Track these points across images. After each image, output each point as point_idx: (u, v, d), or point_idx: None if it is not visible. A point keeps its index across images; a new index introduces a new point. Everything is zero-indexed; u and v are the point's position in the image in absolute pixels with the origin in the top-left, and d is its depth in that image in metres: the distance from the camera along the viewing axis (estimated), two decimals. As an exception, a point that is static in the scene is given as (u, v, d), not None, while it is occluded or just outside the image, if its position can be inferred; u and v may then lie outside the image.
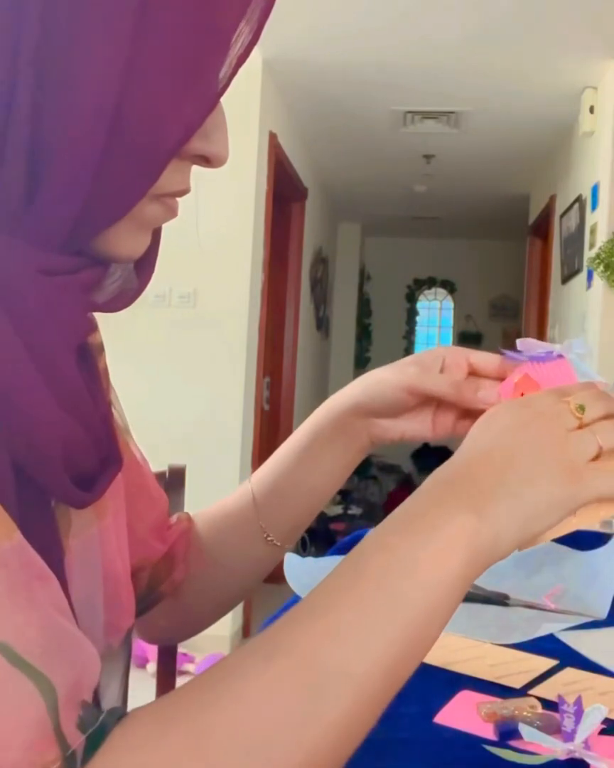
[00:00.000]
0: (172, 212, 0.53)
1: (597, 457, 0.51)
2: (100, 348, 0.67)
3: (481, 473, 0.49)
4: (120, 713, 0.43)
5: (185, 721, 0.42)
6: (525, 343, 0.66)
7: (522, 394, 0.63)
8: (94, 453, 0.53)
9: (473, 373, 0.70)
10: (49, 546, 0.49)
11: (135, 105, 0.45)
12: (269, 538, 0.76)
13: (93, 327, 0.55)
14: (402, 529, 0.47)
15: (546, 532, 0.50)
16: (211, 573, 0.79)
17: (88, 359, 0.56)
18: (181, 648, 3.12)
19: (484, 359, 0.69)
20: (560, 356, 0.65)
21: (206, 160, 0.51)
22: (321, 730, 0.42)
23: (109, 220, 0.48)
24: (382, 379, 0.71)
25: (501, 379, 0.68)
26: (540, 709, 0.77)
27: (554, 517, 0.49)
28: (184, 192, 0.52)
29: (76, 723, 0.41)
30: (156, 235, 0.54)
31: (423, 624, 0.45)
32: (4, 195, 0.45)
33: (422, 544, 0.46)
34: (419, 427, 0.72)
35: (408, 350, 7.61)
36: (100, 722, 0.42)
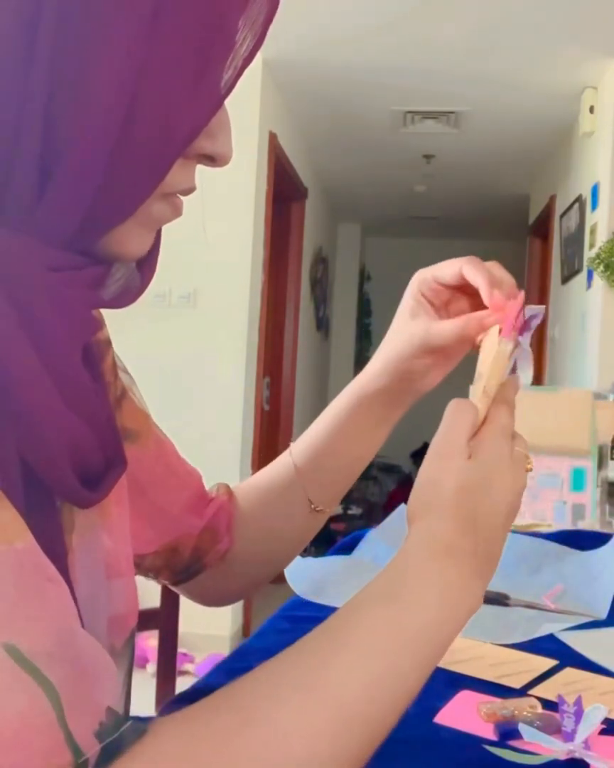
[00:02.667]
0: (177, 211, 0.54)
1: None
2: (107, 343, 0.68)
3: (477, 548, 0.53)
4: (142, 730, 0.42)
5: (213, 742, 0.42)
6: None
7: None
8: (99, 452, 0.53)
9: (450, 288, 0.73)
10: (53, 545, 0.49)
11: (145, 105, 0.45)
12: (315, 507, 0.80)
13: (99, 325, 0.55)
14: (415, 590, 0.51)
15: None
16: (259, 541, 0.83)
17: (94, 359, 0.56)
18: (181, 648, 3.12)
19: (447, 275, 0.71)
20: (534, 317, 0.68)
21: (211, 160, 0.52)
22: (344, 763, 0.45)
23: (117, 219, 0.49)
24: (393, 356, 0.74)
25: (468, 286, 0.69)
26: (540, 709, 0.77)
27: None
28: (189, 191, 0.53)
29: (94, 730, 0.40)
30: (157, 233, 0.55)
31: (427, 669, 0.50)
32: (15, 192, 0.45)
33: (445, 606, 0.51)
34: (443, 369, 0.76)
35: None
36: (120, 734, 0.41)
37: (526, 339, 0.68)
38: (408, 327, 0.74)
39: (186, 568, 0.80)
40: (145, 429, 0.74)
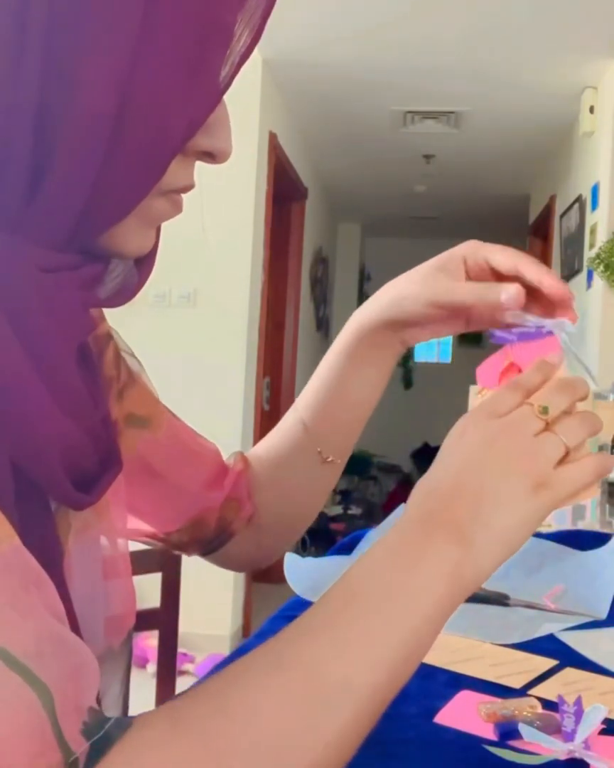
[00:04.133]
0: (177, 208, 0.53)
1: (565, 456, 0.53)
2: (107, 337, 0.68)
3: (456, 507, 0.51)
4: (126, 724, 0.43)
5: (195, 725, 0.42)
6: (515, 315, 0.64)
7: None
8: (93, 454, 0.53)
9: (494, 274, 0.69)
10: (48, 547, 0.49)
11: (139, 102, 0.45)
12: (328, 459, 0.80)
13: (94, 325, 0.55)
14: (392, 558, 0.50)
15: (526, 540, 0.52)
16: (279, 502, 0.83)
17: (90, 357, 0.56)
18: (181, 648, 3.12)
19: (501, 261, 0.67)
20: (549, 333, 0.63)
21: (210, 156, 0.52)
22: (325, 738, 0.44)
23: (115, 217, 0.48)
24: (407, 294, 0.71)
25: (516, 278, 0.66)
26: (540, 709, 0.77)
27: (529, 531, 0.51)
28: (188, 188, 0.53)
29: (80, 729, 0.41)
30: (156, 230, 0.55)
31: (411, 644, 0.47)
32: (6, 192, 0.45)
33: (410, 575, 0.49)
34: (451, 327, 0.73)
35: (408, 350, 7.59)
36: (106, 731, 0.42)
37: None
38: (432, 277, 0.70)
39: (213, 538, 0.81)
40: (156, 413, 0.74)
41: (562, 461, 0.53)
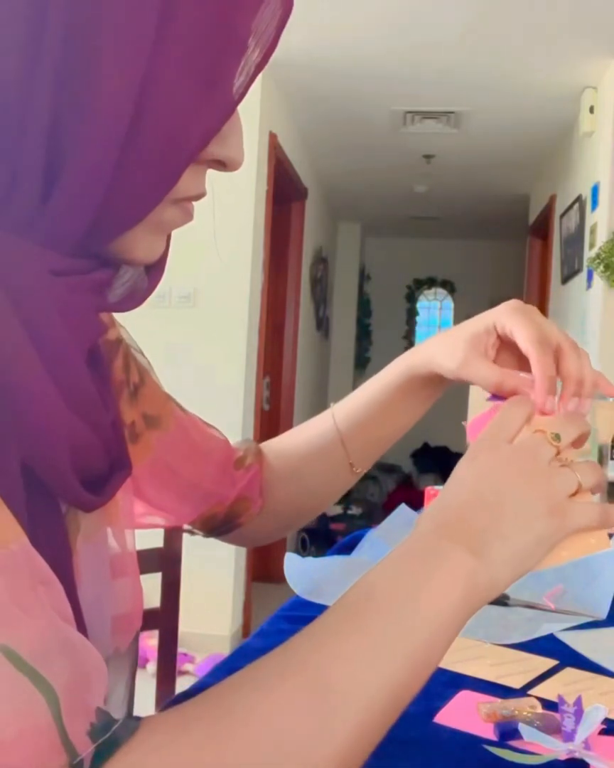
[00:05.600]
0: (188, 216, 0.54)
1: (575, 492, 0.55)
2: (117, 341, 0.68)
3: (473, 517, 0.52)
4: (133, 726, 0.43)
5: (201, 728, 0.43)
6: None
7: None
8: (103, 456, 0.53)
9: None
10: (57, 548, 0.49)
11: (154, 111, 0.45)
12: (355, 470, 0.85)
13: (104, 329, 0.55)
14: (405, 565, 0.50)
15: (538, 564, 0.53)
16: (294, 498, 0.88)
17: (99, 363, 0.56)
18: (181, 648, 3.12)
19: (520, 341, 0.67)
20: None
21: (222, 165, 0.52)
22: (331, 745, 0.44)
23: (127, 224, 0.49)
24: (439, 363, 0.75)
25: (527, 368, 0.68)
26: (540, 709, 0.77)
27: (542, 552, 0.53)
28: (200, 196, 0.53)
29: (87, 730, 0.41)
30: (166, 238, 0.55)
31: (423, 653, 0.48)
32: (20, 196, 0.45)
33: (424, 580, 0.49)
34: None
35: (408, 350, 7.58)
36: (112, 733, 0.42)
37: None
38: (461, 352, 0.72)
39: (220, 526, 0.86)
40: (165, 412, 0.76)
41: (572, 497, 0.55)
